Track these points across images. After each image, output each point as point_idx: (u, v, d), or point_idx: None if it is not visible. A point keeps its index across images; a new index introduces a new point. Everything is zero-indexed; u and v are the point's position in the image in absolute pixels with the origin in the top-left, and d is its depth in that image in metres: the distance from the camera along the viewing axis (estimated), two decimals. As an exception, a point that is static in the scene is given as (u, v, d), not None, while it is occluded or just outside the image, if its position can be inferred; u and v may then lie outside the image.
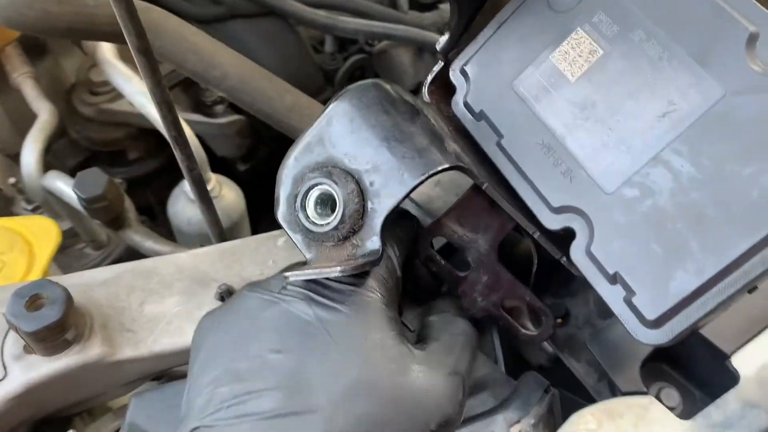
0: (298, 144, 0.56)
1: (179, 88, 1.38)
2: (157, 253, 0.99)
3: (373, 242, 0.51)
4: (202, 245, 0.75)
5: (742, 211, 0.45)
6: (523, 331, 0.60)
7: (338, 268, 0.48)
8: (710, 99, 0.46)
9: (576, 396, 0.70)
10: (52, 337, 0.64)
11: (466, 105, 0.58)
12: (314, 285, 0.52)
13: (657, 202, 0.48)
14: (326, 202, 0.54)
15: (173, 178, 1.39)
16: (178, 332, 0.68)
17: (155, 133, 1.38)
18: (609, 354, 0.60)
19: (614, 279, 0.48)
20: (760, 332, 0.60)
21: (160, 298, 0.69)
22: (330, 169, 0.53)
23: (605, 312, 0.70)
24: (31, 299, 0.63)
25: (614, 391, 0.62)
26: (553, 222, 0.52)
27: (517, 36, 0.56)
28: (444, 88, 0.62)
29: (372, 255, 0.51)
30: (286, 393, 0.47)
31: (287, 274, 0.50)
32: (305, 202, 0.54)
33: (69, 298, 0.64)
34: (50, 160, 1.44)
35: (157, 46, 0.94)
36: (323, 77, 1.45)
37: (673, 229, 0.47)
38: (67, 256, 1.25)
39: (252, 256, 0.72)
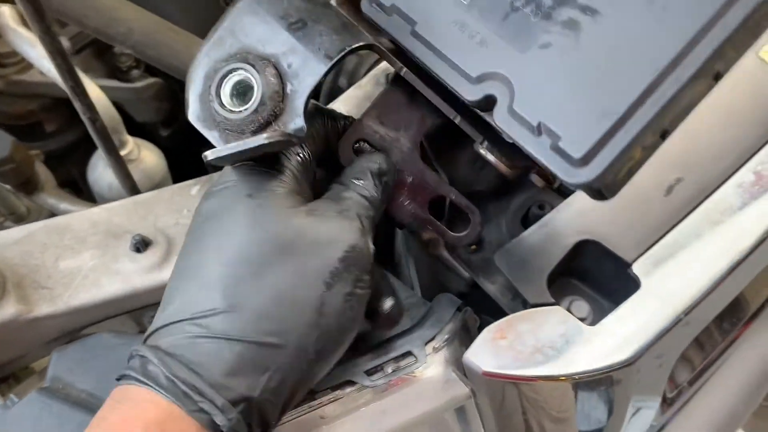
0: (208, 40, 0.54)
1: (91, 53, 1.34)
2: (73, 215, 0.97)
3: (297, 123, 0.50)
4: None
5: (654, 36, 0.47)
6: (451, 233, 0.60)
7: (263, 136, 0.47)
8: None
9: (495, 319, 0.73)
10: (-38, 299, 0.63)
11: (376, 2, 0.57)
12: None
13: (568, 49, 0.50)
14: (242, 93, 0.52)
15: (94, 148, 1.36)
16: (95, 285, 0.67)
17: (71, 103, 1.34)
18: (516, 269, 0.63)
19: (539, 129, 0.49)
20: (657, 241, 0.63)
21: (74, 254, 0.69)
22: (244, 55, 0.51)
23: (515, 236, 0.72)
24: (-62, 262, 0.62)
25: (527, 308, 0.64)
26: (474, 93, 0.52)
27: None
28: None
29: (298, 132, 0.50)
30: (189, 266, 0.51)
31: (206, 153, 0.49)
32: (220, 91, 0.52)
33: (-23, 259, 0.63)
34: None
35: (56, 4, 0.91)
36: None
37: (588, 69, 0.49)
38: (-16, 231, 1.21)
39: (166, 206, 0.71)
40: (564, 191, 0.76)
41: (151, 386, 0.45)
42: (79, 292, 0.67)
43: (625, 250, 0.63)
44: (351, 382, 0.56)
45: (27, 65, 1.36)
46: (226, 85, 0.52)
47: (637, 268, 0.61)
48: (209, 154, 0.49)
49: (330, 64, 0.50)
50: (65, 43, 1.22)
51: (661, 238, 0.63)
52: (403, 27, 0.56)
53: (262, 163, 0.52)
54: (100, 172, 1.17)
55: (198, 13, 1.27)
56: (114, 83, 1.32)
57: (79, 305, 0.66)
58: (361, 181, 0.55)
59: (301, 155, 0.54)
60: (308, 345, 0.48)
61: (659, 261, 0.62)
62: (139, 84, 1.32)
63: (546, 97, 0.50)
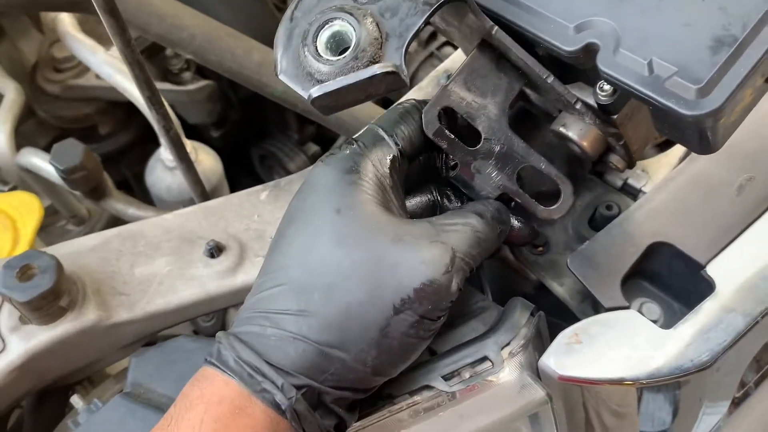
0: (295, 1, 0.53)
1: (144, 56, 1.36)
2: (141, 219, 1.00)
3: (397, 66, 0.49)
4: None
5: None
6: (542, 207, 0.58)
7: (375, 66, 0.47)
8: None
9: (566, 322, 0.72)
10: (46, 306, 0.65)
11: None
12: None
13: None
14: (338, 44, 0.51)
15: (147, 150, 1.38)
16: (170, 291, 0.69)
17: (125, 105, 1.37)
18: (589, 272, 0.62)
19: (650, 67, 0.48)
20: (730, 242, 0.62)
21: (149, 260, 0.70)
22: (341, 6, 0.50)
23: (582, 237, 0.72)
24: (22, 270, 0.64)
25: (598, 310, 0.64)
26: (574, 42, 0.51)
27: None
28: None
29: (402, 73, 0.49)
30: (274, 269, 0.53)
31: (311, 90, 0.50)
32: (316, 41, 0.51)
33: (59, 266, 0.65)
34: (20, 141, 1.42)
35: (120, 11, 0.93)
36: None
37: (698, 2, 0.48)
38: (49, 234, 1.24)
39: (236, 212, 0.73)
40: (629, 191, 0.76)
41: (222, 369, 0.51)
42: (155, 298, 0.68)
43: (697, 251, 0.62)
44: (428, 387, 0.57)
45: (82, 70, 1.39)
46: (322, 35, 0.51)
47: (711, 270, 0.61)
48: (314, 91, 0.49)
49: (430, 10, 0.49)
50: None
51: (734, 239, 0.62)
52: None
53: (350, 172, 0.53)
54: (159, 174, 1.19)
55: (251, 20, 1.29)
56: (167, 86, 1.35)
57: (156, 311, 0.68)
58: (476, 218, 0.55)
59: (390, 157, 0.55)
60: (367, 359, 0.51)
61: (733, 263, 0.61)
62: (191, 87, 1.34)
63: (653, 35, 0.49)
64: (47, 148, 1.51)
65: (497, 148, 0.58)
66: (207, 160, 1.20)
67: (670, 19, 0.49)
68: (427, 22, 0.50)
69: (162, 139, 0.74)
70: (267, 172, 1.58)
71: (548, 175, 0.57)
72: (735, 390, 0.74)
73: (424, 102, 0.59)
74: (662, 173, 0.75)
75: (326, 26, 0.50)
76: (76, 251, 0.71)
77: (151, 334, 0.73)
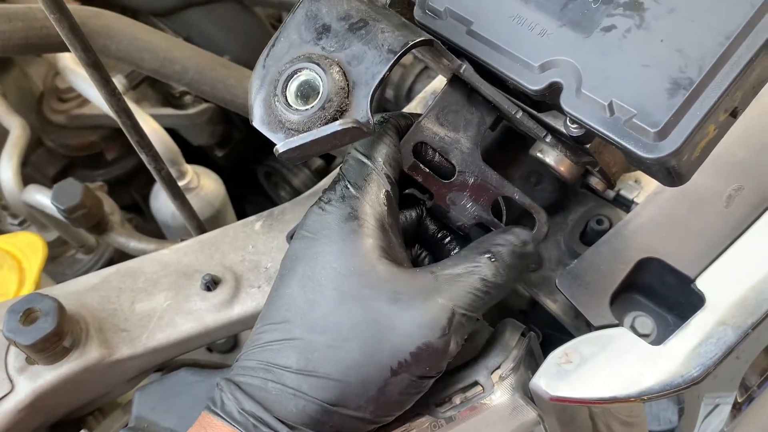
0: (269, 45, 0.54)
1: (146, 83, 1.39)
2: (143, 252, 1.01)
3: (363, 117, 0.50)
4: (182, 239, 0.77)
5: (722, 5, 0.47)
6: None
7: (337, 123, 0.48)
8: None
9: (562, 334, 0.73)
10: (50, 347, 0.67)
11: (429, 9, 0.57)
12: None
13: (634, 28, 0.49)
14: (307, 93, 0.52)
15: (154, 173, 1.41)
16: (170, 326, 0.70)
17: (129, 131, 1.39)
18: (578, 291, 0.63)
19: (611, 109, 0.49)
20: (720, 254, 0.62)
21: (149, 296, 0.72)
22: (308, 55, 0.52)
23: (574, 252, 0.72)
24: (26, 313, 0.66)
25: (591, 326, 0.65)
26: (538, 81, 0.52)
27: None
28: (404, 10, 0.60)
29: (365, 126, 0.50)
30: (277, 321, 0.53)
31: (277, 147, 0.50)
32: (285, 92, 0.52)
33: (61, 308, 0.66)
34: (30, 172, 1.46)
35: (114, 50, 0.95)
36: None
37: (655, 45, 0.48)
38: (59, 264, 1.27)
39: (231, 244, 0.74)
40: (621, 202, 0.76)
41: (226, 420, 0.52)
42: (155, 333, 0.70)
43: (687, 265, 0.62)
44: (420, 414, 0.58)
45: (85, 99, 1.42)
46: (291, 85, 0.52)
47: (701, 284, 0.61)
48: (280, 147, 0.50)
49: (394, 58, 0.50)
50: (122, 80, 1.27)
51: (723, 251, 0.63)
52: (458, 28, 0.56)
53: (349, 219, 0.54)
54: (163, 201, 1.21)
55: (248, 40, 1.31)
56: (169, 111, 1.37)
57: (156, 345, 0.70)
58: (486, 262, 0.54)
59: (384, 193, 0.55)
60: (366, 413, 0.52)
61: (723, 275, 0.61)
62: (192, 110, 1.36)
63: (614, 76, 0.49)
64: (56, 177, 1.56)
65: (471, 180, 0.59)
66: (209, 185, 1.22)
67: (630, 59, 0.49)
68: (392, 69, 0.50)
69: (156, 178, 0.75)
70: (273, 188, 1.60)
71: (522, 205, 0.58)
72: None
73: (403, 116, 0.60)
74: (655, 183, 0.76)
75: (295, 76, 0.51)
76: (78, 290, 0.73)
77: (155, 367, 0.75)
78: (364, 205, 0.54)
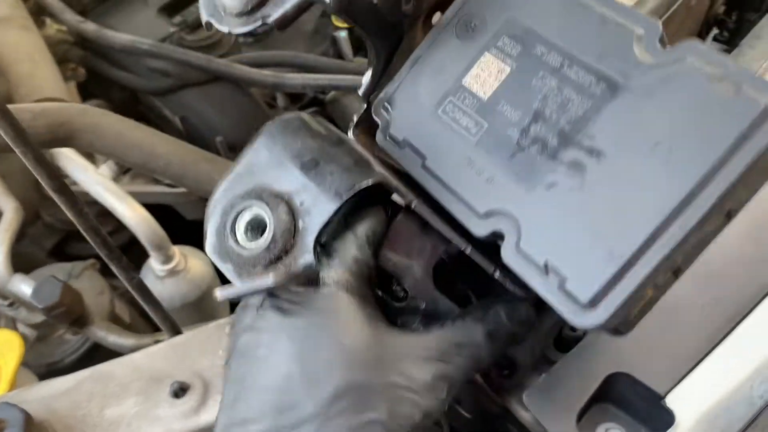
0: (226, 177, 0.56)
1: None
2: (120, 347, 1.02)
3: (306, 259, 0.51)
4: (156, 341, 0.77)
5: (661, 178, 0.47)
6: None
7: (269, 279, 0.48)
8: (608, 93, 0.50)
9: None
10: (17, 458, 0.66)
11: (390, 136, 0.59)
12: (275, 297, 0.52)
13: (574, 189, 0.49)
14: (256, 229, 0.54)
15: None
16: (137, 433, 0.70)
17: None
18: (545, 408, 0.62)
19: (546, 269, 0.49)
20: (690, 370, 0.61)
21: (118, 401, 0.72)
22: (259, 192, 0.53)
23: (549, 359, 0.71)
24: (-6, 424, 0.66)
25: (564, 437, 0.64)
26: (481, 228, 0.52)
27: (432, 69, 0.58)
28: (369, 130, 0.63)
29: (307, 269, 0.51)
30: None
31: (215, 292, 0.50)
32: (235, 227, 0.54)
33: (28, 419, 0.67)
34: (27, 246, 1.47)
35: (99, 146, 0.98)
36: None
37: (594, 210, 0.48)
38: (48, 345, 1.26)
39: (202, 348, 0.74)
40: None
41: None
42: (122, 441, 0.69)
43: (656, 381, 0.61)
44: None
45: (80, 178, 1.44)
46: (240, 220, 0.54)
47: (670, 401, 0.60)
48: (218, 294, 0.50)
49: (341, 202, 0.52)
50: (113, 166, 1.28)
51: (696, 365, 0.62)
52: (414, 160, 0.57)
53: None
54: (150, 283, 1.21)
55: (242, 117, 1.33)
56: (162, 188, 1.38)
57: (123, 454, 0.69)
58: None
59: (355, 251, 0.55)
60: None
61: (693, 393, 0.60)
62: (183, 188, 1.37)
63: (553, 236, 0.49)
64: (54, 250, 1.57)
65: (422, 306, 0.59)
66: (197, 266, 1.22)
67: (568, 221, 0.49)
68: (339, 212, 0.51)
69: (125, 283, 0.76)
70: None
71: None
72: None
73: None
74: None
75: (244, 211, 0.53)
76: (51, 395, 0.73)
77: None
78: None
